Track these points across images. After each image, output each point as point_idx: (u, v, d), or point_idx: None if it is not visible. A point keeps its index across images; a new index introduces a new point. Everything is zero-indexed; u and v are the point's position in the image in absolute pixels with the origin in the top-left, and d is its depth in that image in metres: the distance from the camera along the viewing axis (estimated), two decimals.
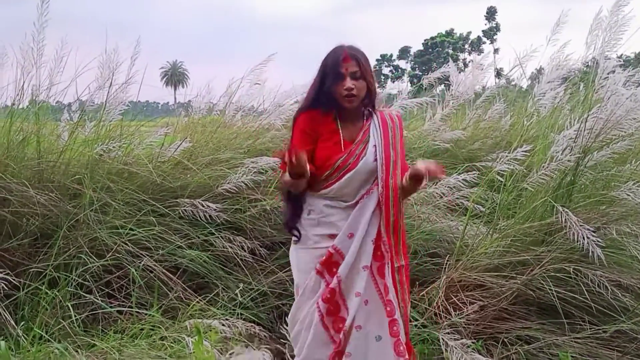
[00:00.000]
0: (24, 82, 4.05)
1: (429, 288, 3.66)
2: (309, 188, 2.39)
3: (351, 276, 2.33)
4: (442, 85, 7.70)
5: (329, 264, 2.34)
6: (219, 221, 3.93)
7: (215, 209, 3.91)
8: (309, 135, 2.37)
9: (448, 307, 3.47)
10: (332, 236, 2.36)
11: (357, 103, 2.34)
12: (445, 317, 3.39)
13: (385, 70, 77.83)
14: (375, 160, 2.35)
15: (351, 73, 2.29)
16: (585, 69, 5.03)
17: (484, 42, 76.18)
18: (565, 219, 3.20)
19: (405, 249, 2.50)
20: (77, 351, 2.75)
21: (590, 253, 3.06)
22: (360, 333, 2.32)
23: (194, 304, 3.44)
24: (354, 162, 2.33)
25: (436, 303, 3.50)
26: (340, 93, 2.30)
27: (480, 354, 3.02)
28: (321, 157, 2.34)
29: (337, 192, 2.35)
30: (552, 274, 3.28)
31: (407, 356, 2.37)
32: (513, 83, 7.72)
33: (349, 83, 2.28)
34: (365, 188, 2.37)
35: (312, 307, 2.35)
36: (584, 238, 3.08)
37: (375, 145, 2.36)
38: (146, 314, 3.30)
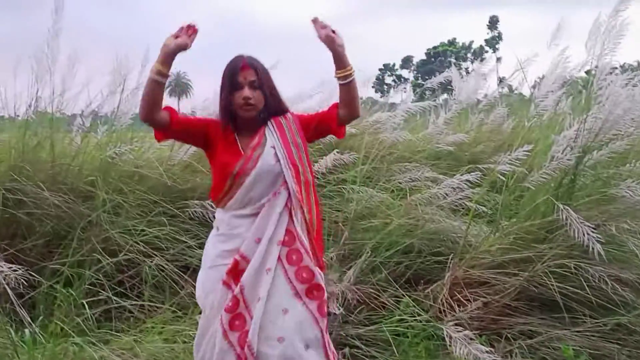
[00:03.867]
0: (37, 89, 4.18)
1: (433, 286, 3.74)
2: (217, 203, 2.34)
3: (255, 282, 2.21)
4: (445, 94, 7.79)
5: (236, 273, 2.22)
6: None
7: None
8: (199, 122, 2.39)
9: (452, 303, 3.53)
10: (236, 251, 2.25)
11: (254, 113, 2.27)
12: (450, 314, 3.46)
13: (388, 80, 78.03)
14: (278, 161, 2.27)
15: (249, 82, 2.23)
16: (585, 75, 5.13)
17: (486, 51, 76.39)
18: (566, 217, 3.27)
19: (321, 251, 2.40)
20: (94, 345, 2.83)
21: (591, 249, 3.13)
22: (287, 344, 2.17)
23: None
24: (252, 166, 2.25)
25: (440, 300, 3.57)
26: (237, 103, 2.23)
27: None
28: (220, 164, 2.29)
29: (242, 201, 2.26)
30: (554, 270, 3.35)
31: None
32: (515, 91, 7.82)
33: (246, 92, 2.22)
34: (271, 191, 2.27)
35: (217, 324, 2.21)
36: (584, 235, 3.14)
37: (273, 147, 2.28)
38: (158, 309, 3.39)
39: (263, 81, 2.26)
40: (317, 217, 2.37)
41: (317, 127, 2.40)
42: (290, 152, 2.30)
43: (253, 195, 2.26)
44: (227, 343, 2.18)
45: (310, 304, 2.24)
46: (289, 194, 2.28)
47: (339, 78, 2.28)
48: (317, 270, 2.29)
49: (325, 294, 2.31)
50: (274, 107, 2.33)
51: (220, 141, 2.30)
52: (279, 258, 2.25)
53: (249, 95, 2.22)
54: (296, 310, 2.22)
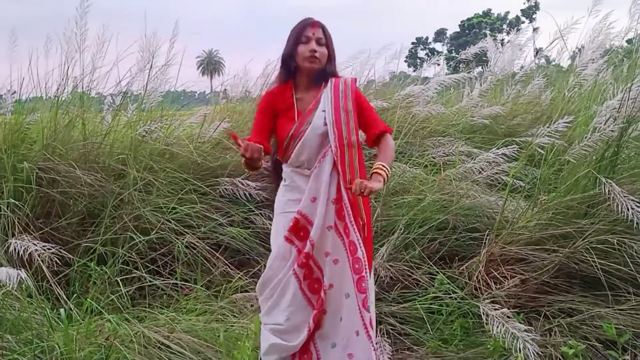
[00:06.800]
0: (67, 67, 4.18)
1: (468, 263, 3.65)
2: (282, 160, 2.53)
3: (320, 238, 2.39)
4: (479, 67, 7.58)
5: (297, 230, 2.42)
6: (258, 199, 4.01)
7: (254, 187, 3.99)
8: (266, 115, 2.49)
9: (488, 281, 3.45)
10: (299, 200, 2.44)
11: (318, 66, 2.43)
12: (486, 291, 3.38)
13: (421, 54, 76.65)
14: (325, 124, 2.42)
15: (317, 38, 2.42)
16: (627, 44, 4.91)
17: (523, 22, 74.20)
18: (609, 191, 3.14)
19: (368, 206, 2.55)
20: (128, 322, 2.85)
21: (635, 224, 3.00)
22: (334, 291, 2.39)
23: (236, 280, 3.51)
24: (306, 128, 2.42)
25: (476, 277, 3.48)
26: (304, 54, 2.40)
27: None
28: (279, 133, 2.47)
29: (297, 160, 2.45)
30: (596, 246, 3.23)
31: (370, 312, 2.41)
32: (553, 63, 7.55)
33: (313, 45, 2.40)
34: (322, 152, 2.43)
35: (287, 274, 2.42)
36: (628, 209, 3.02)
37: (324, 110, 2.43)
38: (192, 289, 3.39)
39: (329, 41, 2.46)
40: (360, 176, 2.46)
41: (360, 120, 2.50)
42: (338, 117, 2.42)
43: (306, 156, 2.44)
44: (302, 293, 2.40)
45: (350, 257, 2.41)
46: None
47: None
48: (353, 228, 2.40)
49: (360, 251, 2.39)
50: (333, 68, 2.51)
51: (281, 106, 2.48)
52: None
53: (316, 48, 2.40)
54: (343, 261, 2.41)
